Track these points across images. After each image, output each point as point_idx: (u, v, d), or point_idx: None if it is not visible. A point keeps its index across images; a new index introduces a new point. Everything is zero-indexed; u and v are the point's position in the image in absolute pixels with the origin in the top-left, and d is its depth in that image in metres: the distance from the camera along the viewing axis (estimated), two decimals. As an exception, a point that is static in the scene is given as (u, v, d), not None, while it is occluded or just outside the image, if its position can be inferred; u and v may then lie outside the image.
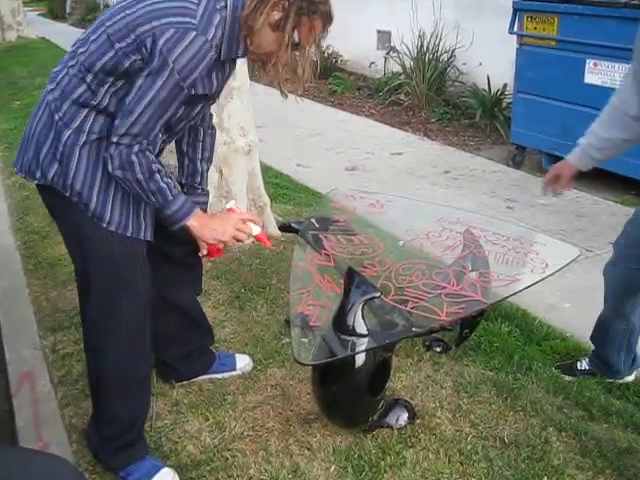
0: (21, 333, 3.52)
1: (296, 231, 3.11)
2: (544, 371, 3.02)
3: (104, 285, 2.31)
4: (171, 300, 2.76)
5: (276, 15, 2.09)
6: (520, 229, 3.64)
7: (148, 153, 2.11)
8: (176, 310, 2.81)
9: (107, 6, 22.64)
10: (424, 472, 2.44)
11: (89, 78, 2.12)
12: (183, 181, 2.63)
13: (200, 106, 2.32)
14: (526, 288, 2.63)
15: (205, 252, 2.55)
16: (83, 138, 2.16)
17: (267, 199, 4.39)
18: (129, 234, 2.25)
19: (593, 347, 3.06)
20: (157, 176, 2.13)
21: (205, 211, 2.59)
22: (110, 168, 2.10)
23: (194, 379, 2.99)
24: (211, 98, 2.35)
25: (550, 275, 2.67)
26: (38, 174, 2.21)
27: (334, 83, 9.70)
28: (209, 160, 2.67)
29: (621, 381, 2.98)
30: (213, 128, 2.66)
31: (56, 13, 26.01)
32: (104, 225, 2.21)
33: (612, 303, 2.87)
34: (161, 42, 1.99)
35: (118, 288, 2.30)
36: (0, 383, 3.26)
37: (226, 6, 2.10)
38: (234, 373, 3.03)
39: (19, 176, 2.28)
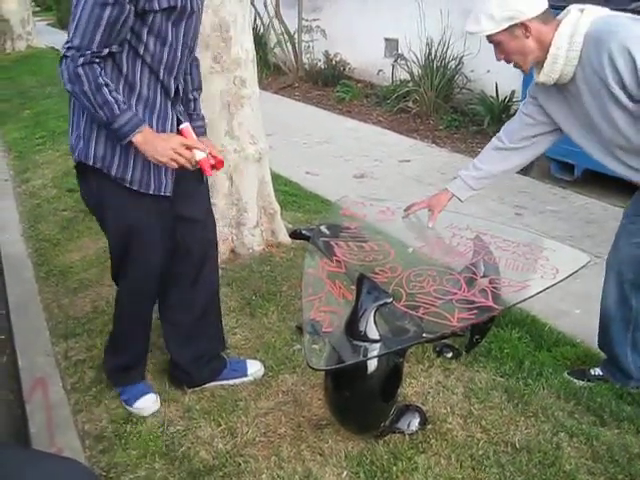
0: (33, 340, 3.54)
1: (307, 238, 3.12)
2: (555, 377, 3.02)
3: (128, 240, 2.59)
4: (190, 298, 2.88)
5: None
6: (530, 235, 3.65)
7: (95, 66, 2.22)
8: (193, 309, 2.89)
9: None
10: (436, 477, 2.46)
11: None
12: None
13: (184, 27, 2.40)
14: (537, 294, 2.64)
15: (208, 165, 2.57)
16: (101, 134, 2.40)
17: (277, 206, 4.41)
18: (152, 191, 2.46)
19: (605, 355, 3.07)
20: (105, 89, 2.24)
21: (204, 134, 2.77)
22: (62, 83, 2.25)
23: (205, 385, 3.01)
24: (187, 12, 2.39)
25: (560, 281, 2.68)
26: (74, 154, 2.49)
27: (342, 91, 9.71)
28: (199, 87, 2.78)
29: (634, 390, 2.97)
30: (196, 59, 2.75)
31: (65, 23, 26.11)
32: (127, 185, 2.43)
33: (615, 294, 2.88)
34: None
35: (137, 243, 2.58)
36: (13, 389, 3.29)
37: None
38: (245, 379, 3.05)
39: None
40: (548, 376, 3.03)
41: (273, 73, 11.41)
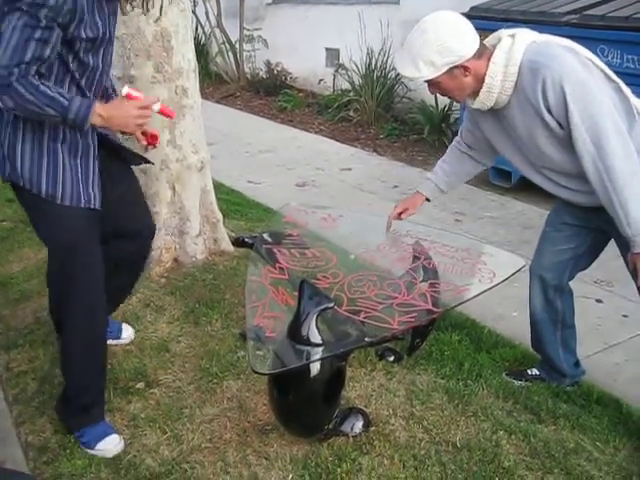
0: (-26, 352, 3.49)
1: (250, 246, 3.15)
2: (494, 378, 3.10)
3: (67, 258, 2.54)
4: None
5: None
6: (468, 241, 3.74)
7: (30, 77, 2.20)
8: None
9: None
10: (380, 478, 2.50)
11: None
12: None
13: (102, 53, 2.45)
14: (475, 297, 2.71)
15: (145, 142, 2.68)
16: (20, 138, 2.38)
17: (220, 215, 4.42)
18: (82, 204, 2.44)
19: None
20: (43, 88, 2.23)
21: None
22: (1, 105, 2.24)
23: (149, 392, 3.04)
24: (106, 41, 2.45)
25: (498, 284, 2.76)
26: (2, 174, 2.46)
27: (283, 100, 9.76)
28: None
29: (570, 388, 3.07)
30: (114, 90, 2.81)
31: None
32: (58, 202, 2.40)
33: (540, 299, 2.98)
34: None
35: (77, 261, 2.52)
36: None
37: None
38: (119, 342, 3.25)
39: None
40: (487, 377, 3.10)
41: (215, 82, 11.40)
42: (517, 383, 3.10)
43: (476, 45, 2.45)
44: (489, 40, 2.55)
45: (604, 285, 4.15)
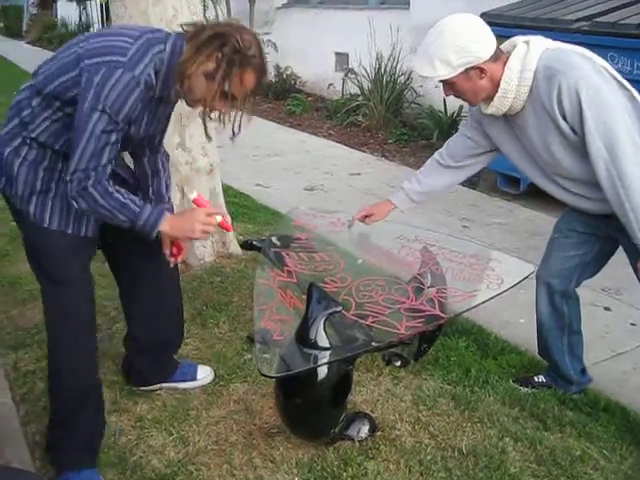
0: (-19, 351, 3.50)
1: (258, 249, 3.16)
2: (500, 384, 3.10)
3: (52, 282, 2.47)
4: (153, 304, 2.85)
5: (210, 65, 2.22)
6: (476, 247, 3.73)
7: (104, 181, 2.25)
8: (157, 312, 2.89)
9: (65, 25, 22.55)
10: (385, 482, 2.51)
11: (35, 101, 2.28)
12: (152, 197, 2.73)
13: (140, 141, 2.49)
14: (483, 303, 2.71)
15: (168, 252, 2.64)
16: (19, 160, 2.33)
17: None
18: (69, 231, 2.39)
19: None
20: (117, 195, 2.28)
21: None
22: (76, 206, 2.28)
23: (153, 387, 3.05)
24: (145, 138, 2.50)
25: (506, 290, 2.76)
26: None
27: (293, 104, 9.78)
28: (169, 176, 2.80)
29: (576, 395, 3.06)
30: (165, 152, 2.78)
31: (12, 31, 25.83)
32: (45, 226, 2.36)
33: (547, 305, 2.97)
34: (95, 80, 2.14)
35: (65, 285, 2.45)
36: (-40, 401, 3.25)
37: (165, 50, 2.26)
38: (194, 384, 3.08)
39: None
40: (494, 383, 3.10)
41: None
42: (524, 390, 3.10)
43: (493, 48, 2.47)
44: (504, 46, 2.57)
45: (612, 293, 4.14)
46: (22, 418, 2.95)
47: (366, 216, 3.15)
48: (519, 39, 2.54)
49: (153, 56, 2.23)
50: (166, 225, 2.37)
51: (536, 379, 3.15)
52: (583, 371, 3.11)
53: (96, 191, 2.23)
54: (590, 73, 2.38)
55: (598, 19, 5.18)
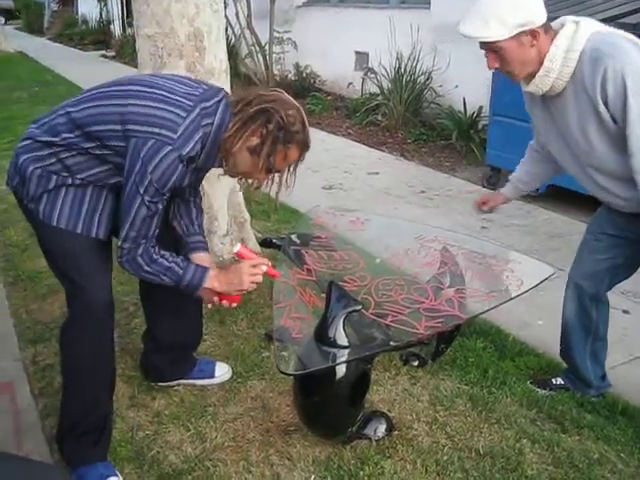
0: (1, 345, 3.52)
1: (277, 247, 3.16)
2: (518, 385, 3.09)
3: (66, 277, 2.48)
4: (175, 302, 2.84)
5: (254, 140, 2.26)
6: (496, 248, 3.72)
7: (151, 251, 2.34)
8: (177, 313, 2.90)
9: (85, 22, 22.66)
10: (402, 482, 2.51)
11: (75, 132, 2.29)
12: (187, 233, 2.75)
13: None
14: (502, 304, 2.70)
15: (217, 302, 2.59)
16: (36, 165, 2.34)
17: (247, 215, 4.44)
18: (79, 231, 2.39)
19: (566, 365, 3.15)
20: (161, 260, 2.36)
21: (206, 249, 2.73)
22: (124, 269, 2.38)
23: (171, 383, 3.07)
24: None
25: (526, 292, 2.74)
26: (9, 181, 2.44)
27: (312, 103, 9.78)
28: (201, 213, 2.82)
29: (594, 399, 3.05)
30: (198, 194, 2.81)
31: (33, 27, 26.01)
32: (53, 224, 2.36)
33: (575, 306, 2.95)
34: (142, 151, 2.18)
35: (78, 282, 2.43)
36: (-20, 394, 3.27)
37: (212, 123, 2.27)
38: (212, 381, 3.09)
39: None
40: (511, 385, 3.09)
41: (244, 84, 11.43)
42: (541, 392, 3.08)
43: (545, 16, 2.38)
44: (553, 24, 2.46)
45: (631, 296, 4.11)
46: (40, 412, 2.98)
47: (483, 202, 3.20)
48: (568, 19, 2.44)
49: (203, 134, 2.26)
50: (213, 282, 2.44)
51: (554, 381, 3.13)
52: (603, 377, 3.09)
53: (143, 260, 2.33)
54: (638, 61, 2.29)
55: (621, 20, 5.15)
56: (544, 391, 3.10)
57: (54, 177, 2.33)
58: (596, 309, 2.92)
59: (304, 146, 2.35)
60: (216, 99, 2.32)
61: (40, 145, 2.33)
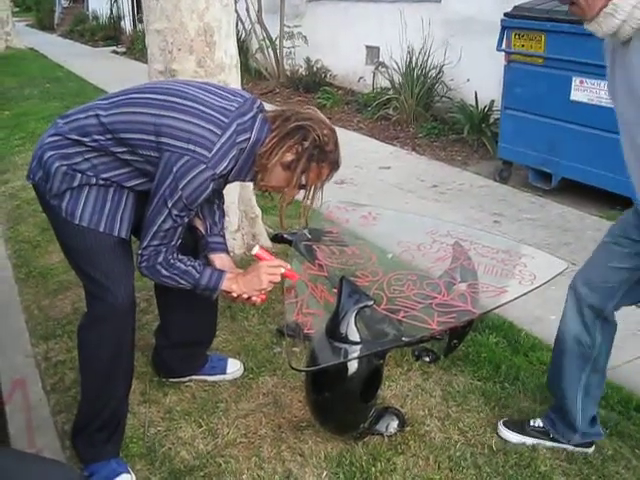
0: (13, 341, 3.53)
1: (289, 242, 3.15)
2: (531, 381, 3.07)
3: (87, 276, 2.46)
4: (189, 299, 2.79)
5: (289, 157, 2.29)
6: (508, 242, 3.70)
7: (170, 258, 2.34)
8: (192, 309, 2.87)
9: (96, 18, 22.69)
10: (414, 478, 2.50)
11: (106, 136, 2.28)
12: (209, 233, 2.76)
13: None
14: (516, 299, 2.68)
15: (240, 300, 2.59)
16: (62, 167, 2.32)
17: (258, 210, 4.44)
18: (101, 230, 2.38)
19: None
20: (179, 264, 2.37)
21: (227, 251, 2.74)
22: (142, 274, 2.40)
23: (182, 379, 3.07)
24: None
25: (539, 286, 2.73)
26: (31, 175, 2.41)
27: (323, 97, 9.75)
28: (223, 215, 2.83)
29: (574, 448, 2.65)
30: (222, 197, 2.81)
31: (44, 24, 26.06)
32: (76, 222, 2.35)
33: (575, 321, 2.52)
34: (175, 167, 2.17)
35: (102, 282, 2.41)
36: (-8, 390, 3.28)
37: (249, 139, 2.28)
38: (224, 377, 3.09)
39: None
40: (524, 380, 3.07)
41: (254, 78, 11.44)
42: (514, 439, 2.70)
43: None
44: None
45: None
46: (52, 408, 2.99)
47: None
48: None
49: (238, 151, 2.26)
50: (231, 285, 2.45)
51: (532, 423, 2.71)
52: (593, 420, 2.63)
53: (162, 266, 2.34)
54: None
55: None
56: (518, 437, 2.70)
57: (79, 175, 2.31)
58: (601, 330, 2.48)
59: (335, 166, 2.40)
60: (251, 114, 2.32)
61: (68, 143, 2.31)
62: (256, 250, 2.57)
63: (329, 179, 2.42)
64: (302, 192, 2.41)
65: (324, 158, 2.32)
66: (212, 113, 2.23)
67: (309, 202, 2.42)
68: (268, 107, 2.46)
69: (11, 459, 1.57)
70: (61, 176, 2.31)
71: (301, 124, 2.28)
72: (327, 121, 2.38)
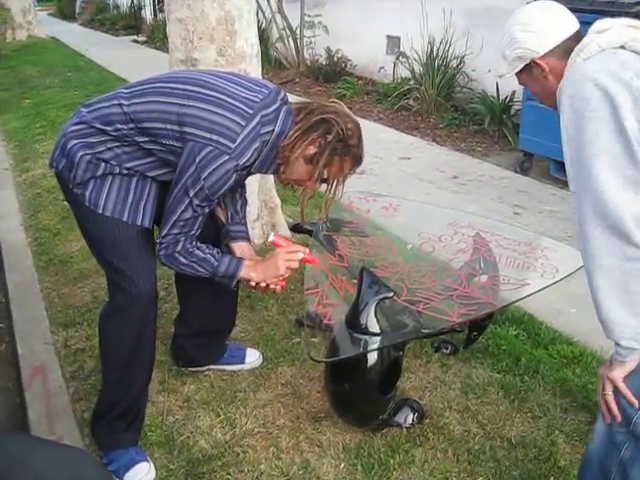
0: (33, 328, 3.55)
1: (309, 232, 3.14)
2: (551, 374, 3.04)
3: (110, 265, 2.45)
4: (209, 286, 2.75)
5: (312, 150, 2.27)
6: (529, 234, 3.67)
7: (189, 247, 2.33)
8: (212, 297, 2.86)
9: (117, 7, 22.75)
10: (432, 471, 2.48)
11: (129, 125, 2.27)
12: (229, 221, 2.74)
13: None
14: (538, 291, 2.66)
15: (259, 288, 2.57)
16: (86, 156, 2.32)
17: (278, 200, 4.43)
18: (125, 219, 2.37)
19: None
20: (197, 252, 2.35)
21: (248, 239, 2.74)
22: (160, 262, 2.39)
23: (201, 368, 3.07)
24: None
25: (562, 279, 2.71)
26: (54, 164, 2.40)
27: (343, 87, 9.72)
28: (245, 203, 2.82)
29: None
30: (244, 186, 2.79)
31: (66, 13, 26.14)
32: (99, 211, 2.35)
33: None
34: (198, 157, 2.16)
35: (126, 272, 2.41)
36: (12, 377, 3.30)
37: (273, 131, 2.26)
38: (242, 367, 3.09)
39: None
40: (544, 373, 3.05)
41: (274, 68, 11.42)
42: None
43: (556, 41, 1.93)
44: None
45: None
46: (72, 395, 3.00)
47: None
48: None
49: (261, 143, 2.25)
50: (250, 273, 2.42)
51: None
52: None
53: (180, 254, 2.33)
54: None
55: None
56: None
57: (102, 164, 2.31)
58: (627, 445, 1.84)
59: (358, 160, 2.37)
60: (276, 105, 2.30)
61: (93, 131, 2.31)
62: (272, 237, 2.56)
63: (351, 173, 2.39)
64: (324, 185, 2.39)
65: (347, 152, 2.30)
66: (236, 104, 2.22)
67: (330, 195, 2.40)
68: (289, 97, 2.44)
69: (31, 445, 1.57)
70: (85, 165, 2.31)
71: (325, 117, 2.27)
72: (352, 115, 2.36)
